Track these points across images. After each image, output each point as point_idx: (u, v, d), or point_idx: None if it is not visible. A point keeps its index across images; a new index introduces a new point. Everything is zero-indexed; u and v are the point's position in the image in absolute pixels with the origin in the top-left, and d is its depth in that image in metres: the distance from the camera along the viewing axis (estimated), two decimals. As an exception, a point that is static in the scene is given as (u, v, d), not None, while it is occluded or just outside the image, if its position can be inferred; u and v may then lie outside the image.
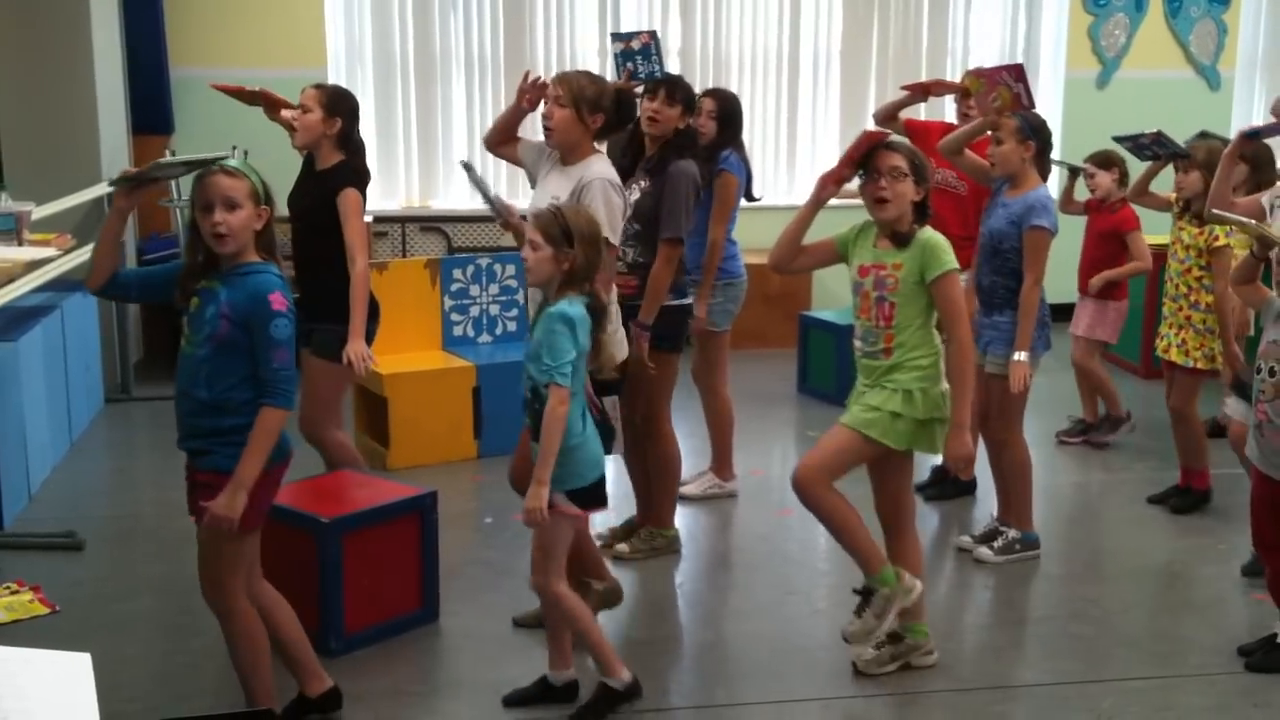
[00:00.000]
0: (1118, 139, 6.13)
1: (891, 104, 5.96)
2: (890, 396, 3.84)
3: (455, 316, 6.65)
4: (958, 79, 9.53)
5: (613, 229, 4.09)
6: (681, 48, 9.28)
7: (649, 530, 5.07)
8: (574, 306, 3.52)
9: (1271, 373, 3.97)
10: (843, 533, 3.93)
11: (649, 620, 4.58)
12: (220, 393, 3.25)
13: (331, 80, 8.58)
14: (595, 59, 9.08)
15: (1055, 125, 9.28)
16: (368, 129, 8.83)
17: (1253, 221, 4.16)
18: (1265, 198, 4.72)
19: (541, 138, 4.37)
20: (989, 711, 3.95)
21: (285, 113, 4.90)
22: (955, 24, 9.63)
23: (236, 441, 3.24)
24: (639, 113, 4.78)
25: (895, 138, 3.95)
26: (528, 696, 3.82)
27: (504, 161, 4.76)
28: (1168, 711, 3.94)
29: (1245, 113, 10.02)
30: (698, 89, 9.34)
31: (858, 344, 3.95)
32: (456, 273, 6.66)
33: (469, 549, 4.49)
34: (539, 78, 4.41)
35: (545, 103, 4.25)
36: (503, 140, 4.50)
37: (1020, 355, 4.76)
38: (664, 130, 4.83)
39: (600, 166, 4.19)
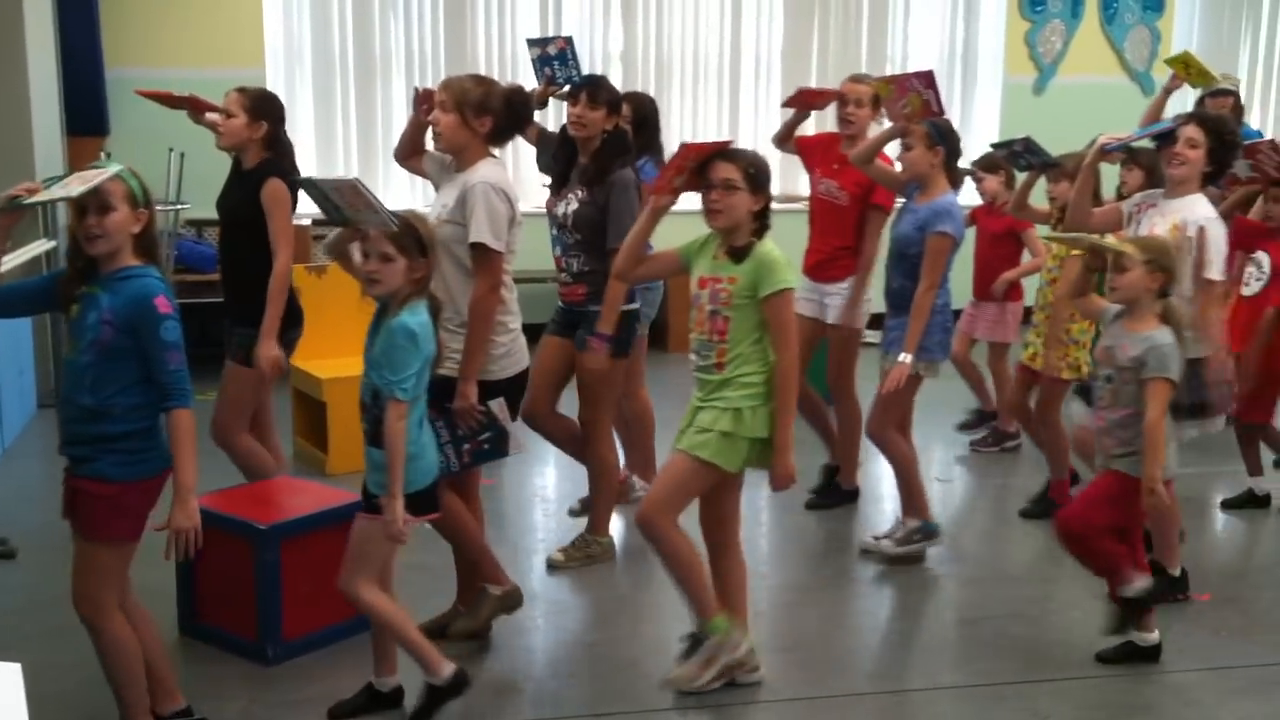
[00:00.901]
0: (995, 146, 6.15)
1: (786, 125, 5.83)
2: (720, 415, 3.76)
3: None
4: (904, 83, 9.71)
5: (495, 234, 3.95)
6: (623, 51, 9.28)
7: (583, 537, 5.06)
8: (417, 316, 3.50)
9: (1109, 379, 4.04)
10: (681, 575, 3.89)
11: (596, 625, 4.59)
12: (104, 399, 3.22)
13: (270, 80, 8.53)
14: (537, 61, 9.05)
15: (994, 130, 9.45)
16: (306, 129, 8.79)
17: (1089, 237, 4.20)
18: (1125, 205, 4.77)
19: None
20: (928, 711, 3.99)
21: (210, 116, 4.84)
22: (895, 29, 9.72)
23: (121, 449, 3.23)
24: (565, 118, 4.79)
25: (737, 148, 3.85)
26: (356, 707, 3.79)
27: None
28: (1100, 710, 3.99)
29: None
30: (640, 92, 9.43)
31: (693, 358, 3.86)
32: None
33: (408, 554, 4.44)
34: (427, 88, 4.32)
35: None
36: (409, 154, 4.40)
37: (904, 357, 4.83)
38: (591, 133, 4.82)
39: (486, 170, 4.04)
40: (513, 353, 4.14)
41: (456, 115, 4.01)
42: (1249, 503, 5.84)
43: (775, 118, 9.54)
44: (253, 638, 4.12)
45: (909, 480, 5.14)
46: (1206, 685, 4.21)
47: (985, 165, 6.46)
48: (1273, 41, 10.40)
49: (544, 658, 4.32)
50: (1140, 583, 4.16)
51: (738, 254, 3.76)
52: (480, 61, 8.98)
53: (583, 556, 4.99)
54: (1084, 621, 4.49)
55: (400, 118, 8.96)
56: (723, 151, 3.78)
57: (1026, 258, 6.48)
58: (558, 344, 5.02)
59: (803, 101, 5.71)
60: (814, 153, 5.68)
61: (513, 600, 4.33)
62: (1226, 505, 5.86)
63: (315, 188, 3.58)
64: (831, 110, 5.66)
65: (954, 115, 9.85)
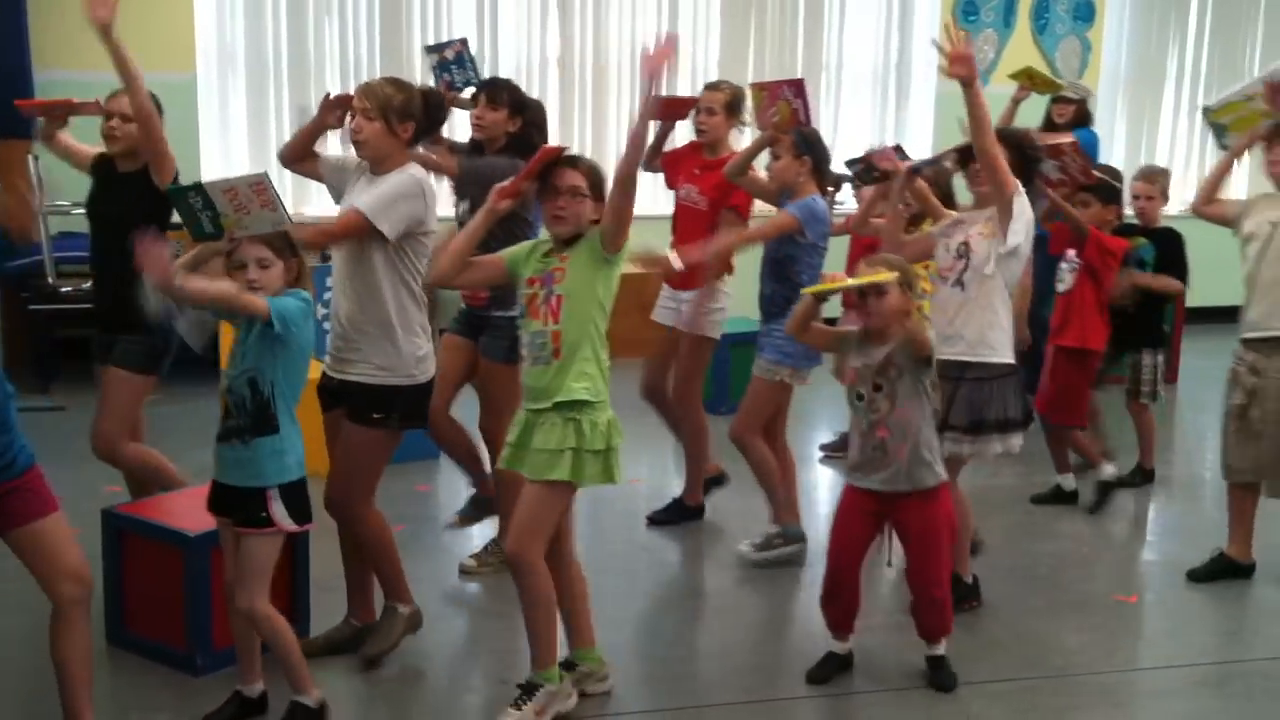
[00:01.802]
0: (848, 163, 6.15)
1: (654, 143, 5.64)
2: (563, 433, 3.66)
3: (328, 325, 6.51)
4: (836, 91, 9.83)
5: (376, 213, 3.90)
6: (560, 55, 9.28)
7: (495, 543, 5.03)
8: (298, 294, 3.56)
9: (859, 397, 4.04)
10: (539, 615, 3.76)
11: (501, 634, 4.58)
12: None
13: (202, 83, 8.46)
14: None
15: (928, 139, 9.54)
16: (239, 133, 8.70)
17: (849, 281, 4.11)
18: (935, 230, 4.68)
19: (344, 151, 4.25)
20: (860, 716, 4.02)
21: (110, 122, 4.66)
22: (830, 38, 9.79)
23: None
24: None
25: (579, 155, 3.83)
26: (227, 715, 3.75)
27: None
28: (1031, 713, 4.04)
29: (1108, 126, 10.34)
30: (577, 100, 9.47)
31: (525, 354, 3.74)
32: (330, 281, 6.54)
33: (339, 563, 4.42)
34: (341, 94, 4.22)
35: (352, 116, 4.04)
36: (301, 157, 4.30)
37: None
38: (493, 135, 4.83)
39: (414, 170, 4.04)
40: (430, 358, 4.12)
41: (382, 123, 3.97)
42: (1057, 498, 5.97)
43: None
44: (182, 647, 4.07)
45: (770, 486, 5.16)
46: (1134, 686, 4.28)
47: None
48: (1199, 50, 10.58)
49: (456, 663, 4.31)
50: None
51: (568, 244, 3.72)
52: (416, 65, 8.91)
53: (497, 562, 4.93)
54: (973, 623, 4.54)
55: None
56: (569, 158, 3.74)
57: None
58: (458, 343, 5.01)
59: (666, 112, 5.53)
60: (675, 164, 5.65)
61: (417, 620, 4.28)
62: (1036, 500, 5.98)
63: (201, 194, 3.48)
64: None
65: (888, 123, 10.00)
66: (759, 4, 9.58)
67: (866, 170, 5.00)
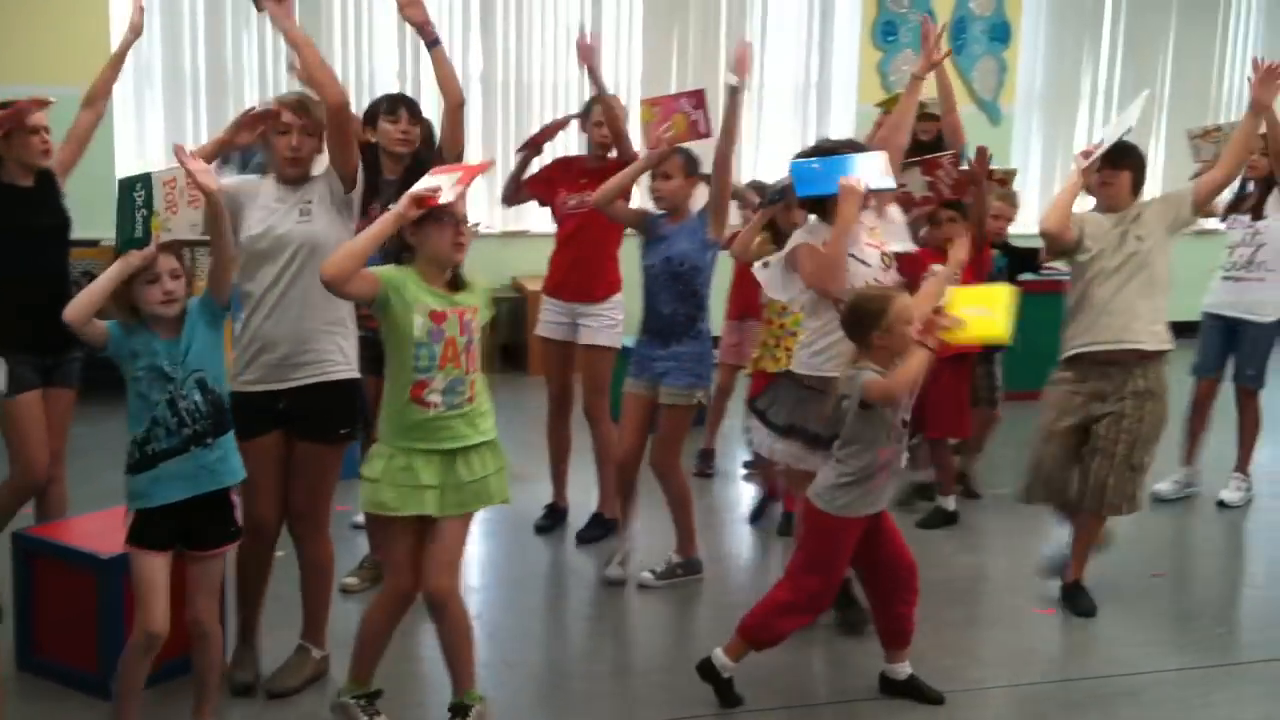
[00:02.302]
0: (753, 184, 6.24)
1: (512, 175, 5.86)
2: (486, 458, 3.64)
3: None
4: (759, 108, 9.89)
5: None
6: (483, 72, 9.26)
7: (373, 559, 4.98)
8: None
9: (903, 423, 4.06)
10: (464, 642, 3.73)
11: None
12: None
13: (119, 97, 8.28)
14: (395, 82, 8.99)
15: (847, 156, 9.60)
16: (156, 147, 8.58)
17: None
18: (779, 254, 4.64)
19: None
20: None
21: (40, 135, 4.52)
22: (753, 57, 9.84)
23: None
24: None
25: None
26: None
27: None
28: (951, 726, 4.08)
29: (1024, 146, 10.52)
30: (500, 117, 9.46)
31: (435, 399, 3.55)
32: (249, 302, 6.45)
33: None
34: (257, 109, 4.16)
35: (286, 132, 3.98)
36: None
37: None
38: (414, 149, 4.86)
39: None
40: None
41: (319, 139, 3.97)
42: (943, 520, 5.95)
43: (634, 143, 9.60)
44: (94, 671, 3.98)
45: (682, 518, 5.17)
46: (1052, 699, 4.33)
47: (756, 188, 6.42)
48: (1113, 70, 10.79)
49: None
50: None
51: (460, 283, 3.66)
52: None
53: (374, 577, 4.85)
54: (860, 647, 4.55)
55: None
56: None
57: None
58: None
59: (535, 144, 5.72)
60: (552, 181, 5.71)
61: (324, 668, 4.20)
62: (920, 524, 5.89)
63: (146, 187, 3.43)
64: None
65: (809, 139, 10.06)
66: (681, 21, 9.63)
67: (779, 193, 4.96)
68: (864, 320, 3.91)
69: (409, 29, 8.76)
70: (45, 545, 4.17)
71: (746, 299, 6.26)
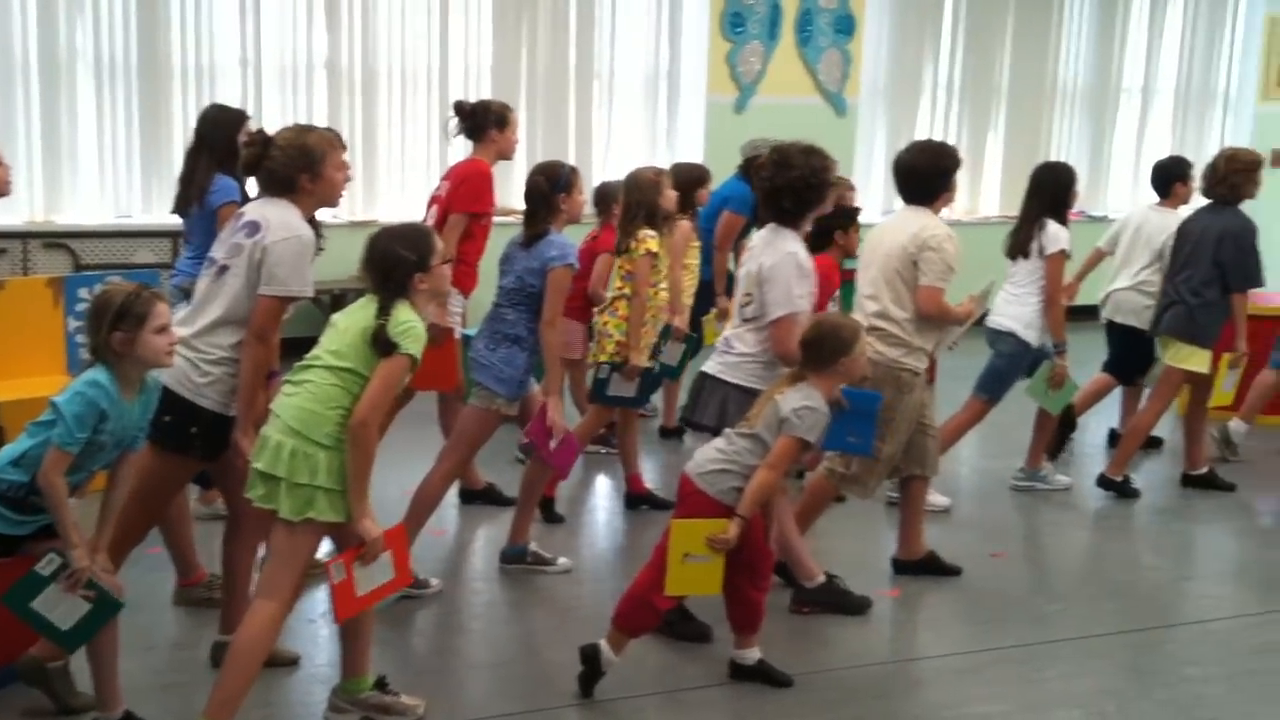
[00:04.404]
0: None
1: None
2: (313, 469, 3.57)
3: (81, 339, 6.24)
4: (609, 99, 9.90)
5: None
6: (328, 59, 9.08)
7: (215, 577, 4.85)
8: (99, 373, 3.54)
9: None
10: (363, 634, 3.83)
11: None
12: None
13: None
14: (237, 68, 8.78)
15: (698, 148, 9.70)
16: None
17: None
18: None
19: None
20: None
21: None
22: (601, 46, 9.87)
23: None
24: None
25: None
26: None
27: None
28: (802, 707, 4.14)
29: (868, 137, 10.73)
30: (345, 104, 9.30)
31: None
32: (83, 292, 6.25)
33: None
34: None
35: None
36: None
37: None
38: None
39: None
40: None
41: None
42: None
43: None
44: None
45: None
46: (897, 677, 4.44)
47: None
48: (954, 63, 11.06)
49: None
50: None
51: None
52: (176, 68, 8.62)
53: (208, 594, 4.71)
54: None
55: (88, 125, 8.51)
56: None
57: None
58: None
59: None
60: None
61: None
62: None
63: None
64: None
65: (659, 131, 10.15)
66: (530, 11, 9.58)
67: None
68: (837, 347, 4.10)
69: (250, 14, 8.67)
70: None
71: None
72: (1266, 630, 4.92)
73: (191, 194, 5.20)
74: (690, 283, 6.63)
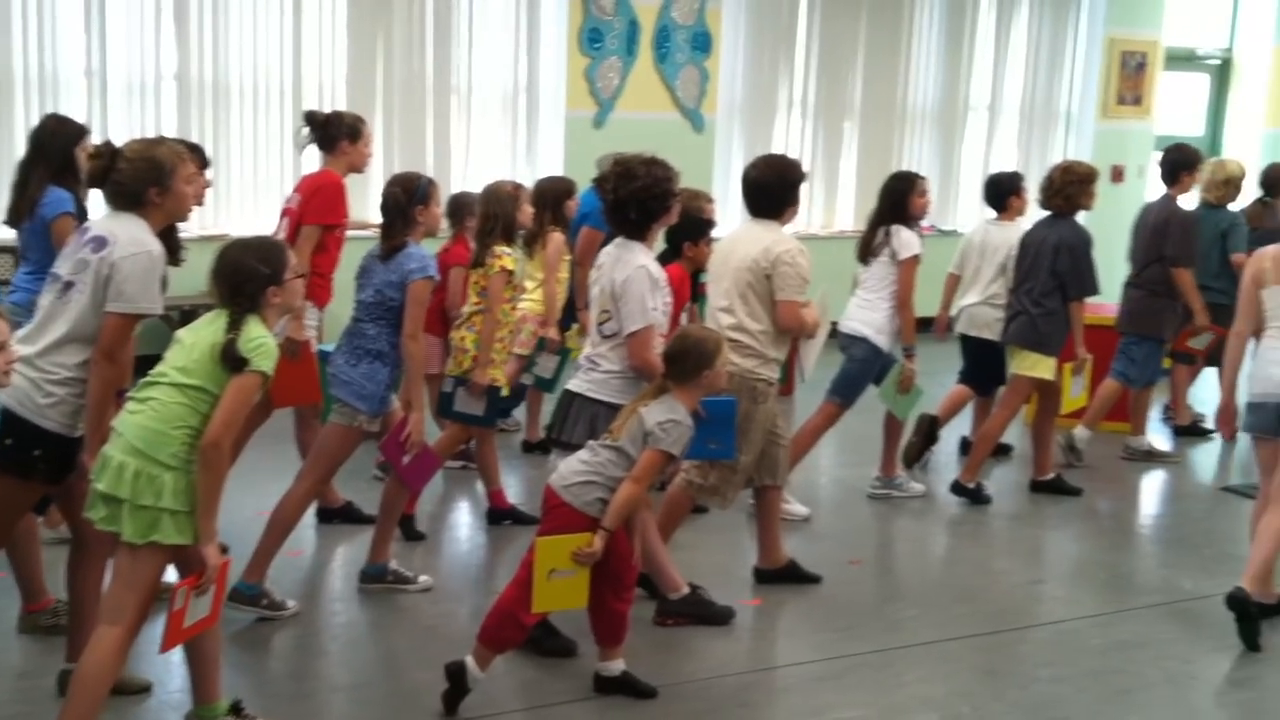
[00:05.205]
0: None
1: None
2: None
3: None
4: (468, 114, 9.84)
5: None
6: (177, 71, 8.87)
7: (61, 603, 4.71)
8: None
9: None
10: (210, 658, 3.75)
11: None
12: None
13: None
14: (82, 79, 8.52)
15: (557, 163, 9.71)
16: None
17: None
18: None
19: None
20: None
21: None
22: (459, 60, 9.80)
23: None
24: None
25: None
26: None
27: None
28: (667, 719, 4.16)
29: (726, 153, 10.84)
30: (195, 116, 9.08)
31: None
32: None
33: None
34: None
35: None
36: None
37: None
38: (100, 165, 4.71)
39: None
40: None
41: None
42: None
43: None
44: None
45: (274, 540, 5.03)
46: (761, 685, 4.47)
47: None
48: (808, 81, 11.23)
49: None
50: None
51: None
52: (18, 78, 8.33)
53: (54, 620, 4.54)
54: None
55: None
56: None
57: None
58: None
59: None
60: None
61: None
62: None
63: None
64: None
65: (519, 146, 10.12)
66: (386, 24, 9.49)
67: None
68: (700, 360, 4.13)
69: (95, 24, 8.43)
70: None
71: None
72: (1111, 629, 5.08)
73: (23, 205, 5.01)
74: (563, 296, 6.64)
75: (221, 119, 9.03)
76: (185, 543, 3.48)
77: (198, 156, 4.99)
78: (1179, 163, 7.37)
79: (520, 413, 7.31)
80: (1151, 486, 7.23)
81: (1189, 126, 13.07)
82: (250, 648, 4.52)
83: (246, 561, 4.75)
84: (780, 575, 5.34)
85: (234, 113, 9.07)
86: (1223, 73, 13.31)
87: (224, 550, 3.69)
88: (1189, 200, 7.52)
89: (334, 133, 5.74)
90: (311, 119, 5.80)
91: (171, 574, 3.74)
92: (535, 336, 6.57)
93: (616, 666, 4.28)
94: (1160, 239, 7.24)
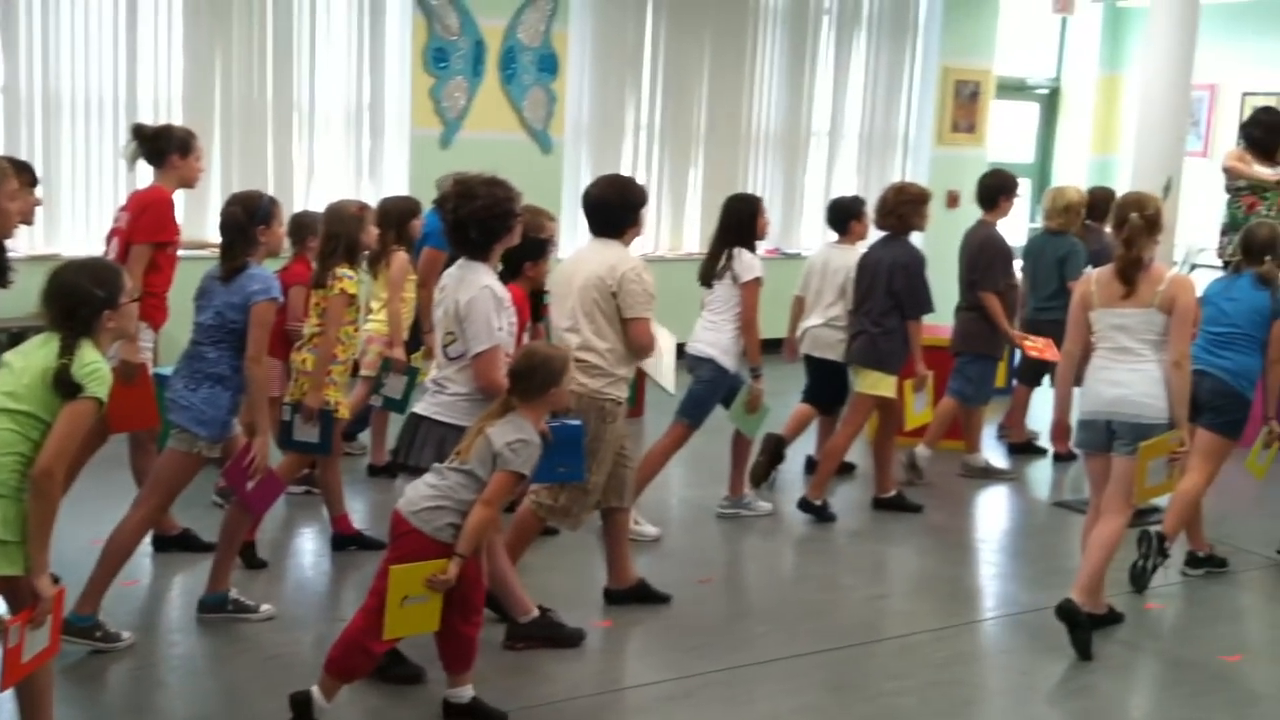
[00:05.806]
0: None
1: None
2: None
3: None
4: (310, 131, 9.68)
5: None
6: (5, 84, 8.54)
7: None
8: None
9: None
10: (42, 694, 3.62)
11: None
12: None
13: None
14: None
15: (403, 181, 9.60)
16: None
17: None
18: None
19: None
20: None
21: None
22: (301, 78, 9.62)
23: None
24: None
25: None
26: None
27: None
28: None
29: (574, 174, 10.85)
30: (24, 131, 8.77)
31: None
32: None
33: None
34: None
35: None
36: None
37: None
38: None
39: None
40: None
41: None
42: None
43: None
44: None
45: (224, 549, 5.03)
46: (615, 705, 4.46)
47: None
48: (654, 104, 11.31)
49: None
50: None
51: None
52: None
53: None
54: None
55: None
56: None
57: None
58: None
59: None
60: None
61: None
62: None
63: None
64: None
65: (364, 163, 9.98)
66: (224, 40, 9.25)
67: None
68: (548, 378, 4.11)
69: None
70: None
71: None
72: (952, 642, 5.21)
73: None
74: (409, 316, 6.57)
75: (52, 134, 8.72)
76: (16, 574, 3.33)
77: (26, 174, 4.84)
78: (994, 188, 7.61)
79: (365, 436, 7.19)
80: (989, 502, 7.44)
81: (1020, 153, 13.51)
82: (84, 681, 4.35)
83: (80, 592, 4.58)
84: (630, 595, 5.34)
85: (65, 128, 8.76)
86: (1051, 102, 13.82)
87: (55, 581, 3.54)
88: (1008, 224, 7.78)
89: (164, 147, 5.59)
90: (139, 132, 5.63)
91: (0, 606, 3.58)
92: (380, 357, 6.49)
93: (466, 693, 4.22)
94: (976, 262, 7.49)
